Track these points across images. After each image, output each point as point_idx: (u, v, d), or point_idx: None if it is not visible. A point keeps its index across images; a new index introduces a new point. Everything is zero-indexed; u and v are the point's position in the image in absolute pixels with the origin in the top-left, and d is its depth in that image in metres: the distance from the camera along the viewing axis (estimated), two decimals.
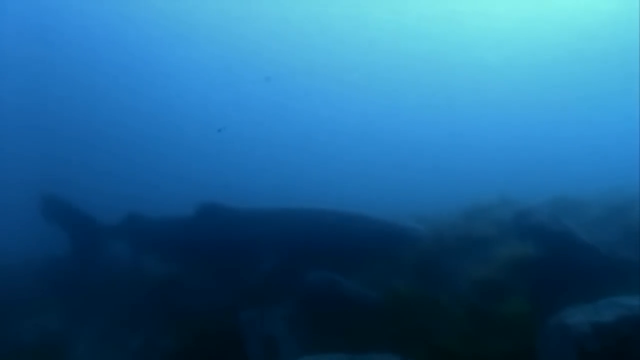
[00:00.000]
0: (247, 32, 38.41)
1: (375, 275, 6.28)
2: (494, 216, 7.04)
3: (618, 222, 6.83)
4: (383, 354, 4.13)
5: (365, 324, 4.88)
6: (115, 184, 23.11)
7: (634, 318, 3.51)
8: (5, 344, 5.94)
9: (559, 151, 28.27)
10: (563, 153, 27.68)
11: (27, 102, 31.57)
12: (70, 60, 34.55)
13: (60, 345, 6.04)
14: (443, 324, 4.54)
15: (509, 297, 4.52)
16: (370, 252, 6.81)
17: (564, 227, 5.77)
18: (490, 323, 4.31)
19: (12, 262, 9.13)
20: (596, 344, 3.46)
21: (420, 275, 6.07)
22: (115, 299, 7.33)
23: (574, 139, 31.40)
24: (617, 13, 32.13)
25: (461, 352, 3.89)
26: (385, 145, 35.22)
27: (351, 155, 33.74)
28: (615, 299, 3.88)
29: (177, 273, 7.71)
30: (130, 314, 6.84)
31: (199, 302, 6.74)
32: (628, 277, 5.58)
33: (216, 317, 5.65)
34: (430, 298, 4.88)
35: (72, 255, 8.84)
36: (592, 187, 9.78)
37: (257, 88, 36.30)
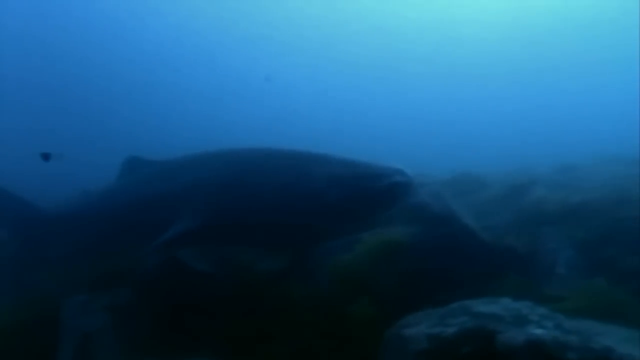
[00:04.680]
0: None
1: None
2: None
3: (512, 204, 6.38)
4: None
5: (203, 318, 4.13)
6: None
7: (477, 332, 2.89)
8: None
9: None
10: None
11: None
12: None
13: None
14: (286, 326, 3.86)
15: (360, 297, 3.86)
16: (340, 209, 4.38)
17: (445, 207, 5.18)
18: (331, 331, 3.65)
19: None
20: None
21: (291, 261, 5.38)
22: None
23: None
24: None
25: None
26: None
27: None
28: (470, 303, 3.26)
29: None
30: None
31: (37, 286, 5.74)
32: (507, 267, 5.12)
33: (36, 304, 4.76)
34: (278, 292, 4.17)
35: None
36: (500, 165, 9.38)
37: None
